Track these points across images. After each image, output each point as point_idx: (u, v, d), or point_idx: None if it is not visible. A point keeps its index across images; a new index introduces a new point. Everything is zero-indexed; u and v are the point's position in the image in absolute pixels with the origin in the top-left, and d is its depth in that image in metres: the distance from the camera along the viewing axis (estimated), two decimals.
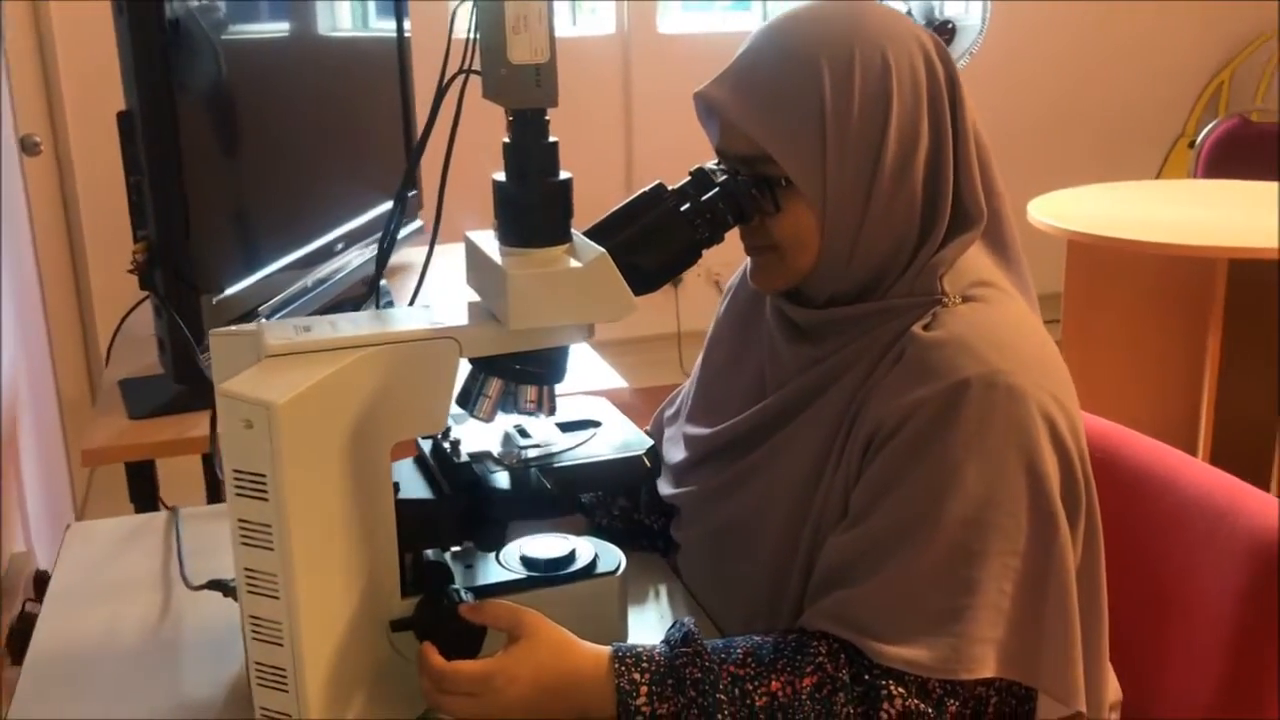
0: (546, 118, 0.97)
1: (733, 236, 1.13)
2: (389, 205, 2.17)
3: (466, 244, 1.05)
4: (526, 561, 1.07)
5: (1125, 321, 3.02)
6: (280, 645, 0.91)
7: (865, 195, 1.03)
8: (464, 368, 1.01)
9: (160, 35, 1.43)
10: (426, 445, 1.08)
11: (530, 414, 1.02)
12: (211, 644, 1.13)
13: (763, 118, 1.03)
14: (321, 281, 1.84)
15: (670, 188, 1.06)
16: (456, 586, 1.01)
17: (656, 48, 4.09)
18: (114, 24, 1.45)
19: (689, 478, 1.22)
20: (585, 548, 1.09)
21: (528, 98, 0.94)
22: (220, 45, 1.52)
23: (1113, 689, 1.14)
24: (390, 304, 2.02)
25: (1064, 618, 0.98)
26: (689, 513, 1.22)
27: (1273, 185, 3.39)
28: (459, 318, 0.99)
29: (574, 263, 0.96)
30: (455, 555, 1.08)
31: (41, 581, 2.20)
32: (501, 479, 1.00)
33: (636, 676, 0.95)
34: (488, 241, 1.01)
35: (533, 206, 0.97)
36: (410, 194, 2.32)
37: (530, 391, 1.01)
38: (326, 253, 1.88)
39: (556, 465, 1.01)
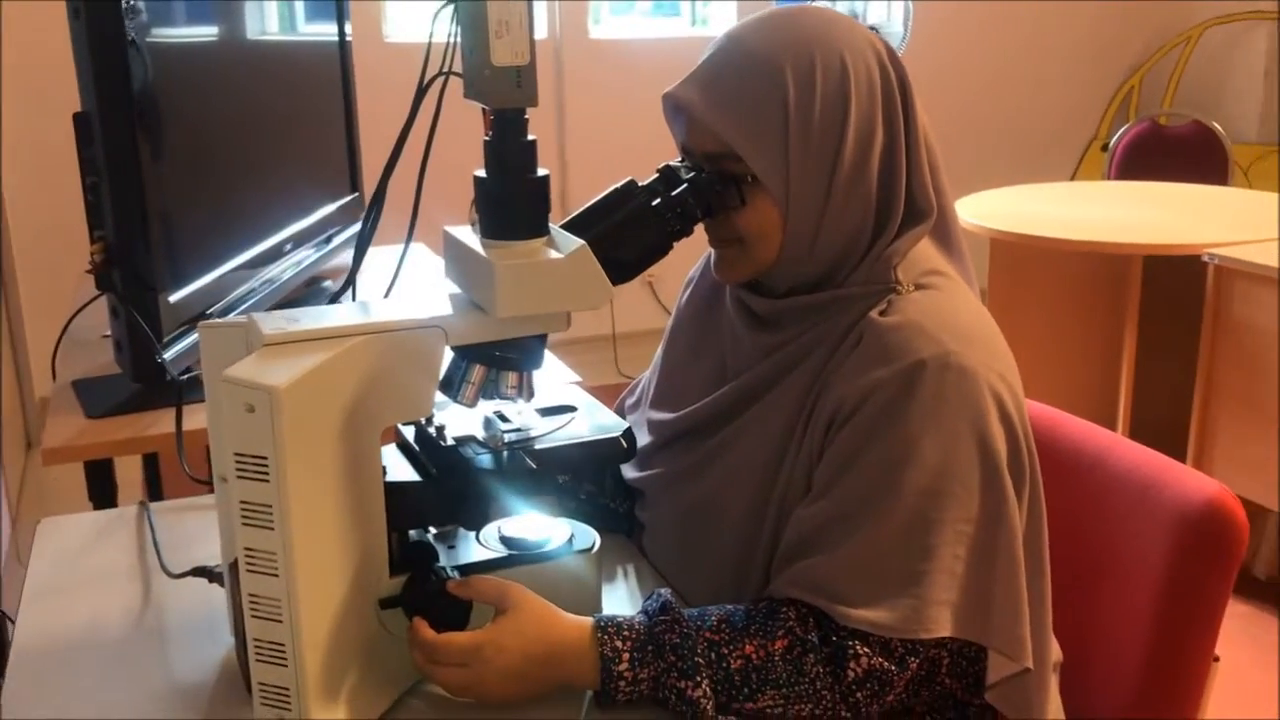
0: (526, 117, 1.02)
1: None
2: (331, 208, 2.20)
3: (446, 239, 1.09)
4: (506, 541, 1.12)
5: (1047, 315, 3.15)
6: (279, 621, 0.94)
7: (825, 190, 1.10)
8: (447, 356, 1.05)
9: (120, 39, 1.45)
10: (409, 431, 1.12)
11: (511, 399, 1.07)
12: (197, 629, 1.16)
13: (730, 117, 1.09)
14: (269, 282, 1.86)
15: (640, 184, 1.12)
16: (442, 564, 1.06)
17: (588, 52, 4.15)
18: (70, 27, 1.46)
19: (653, 461, 1.28)
20: (561, 528, 1.14)
21: (510, 98, 1.00)
22: (155, 49, 1.53)
23: (1054, 649, 1.22)
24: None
25: (1012, 581, 1.06)
26: (654, 495, 1.28)
27: (1181, 186, 3.56)
28: (444, 308, 1.04)
29: (555, 254, 1.01)
30: (437, 536, 1.13)
31: None
32: (486, 460, 1.04)
33: (618, 644, 1.00)
34: (468, 236, 1.06)
35: (515, 201, 1.02)
36: (353, 195, 2.35)
37: (511, 377, 1.06)
38: (276, 253, 1.90)
39: (538, 447, 1.06)
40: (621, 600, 1.22)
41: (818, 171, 1.09)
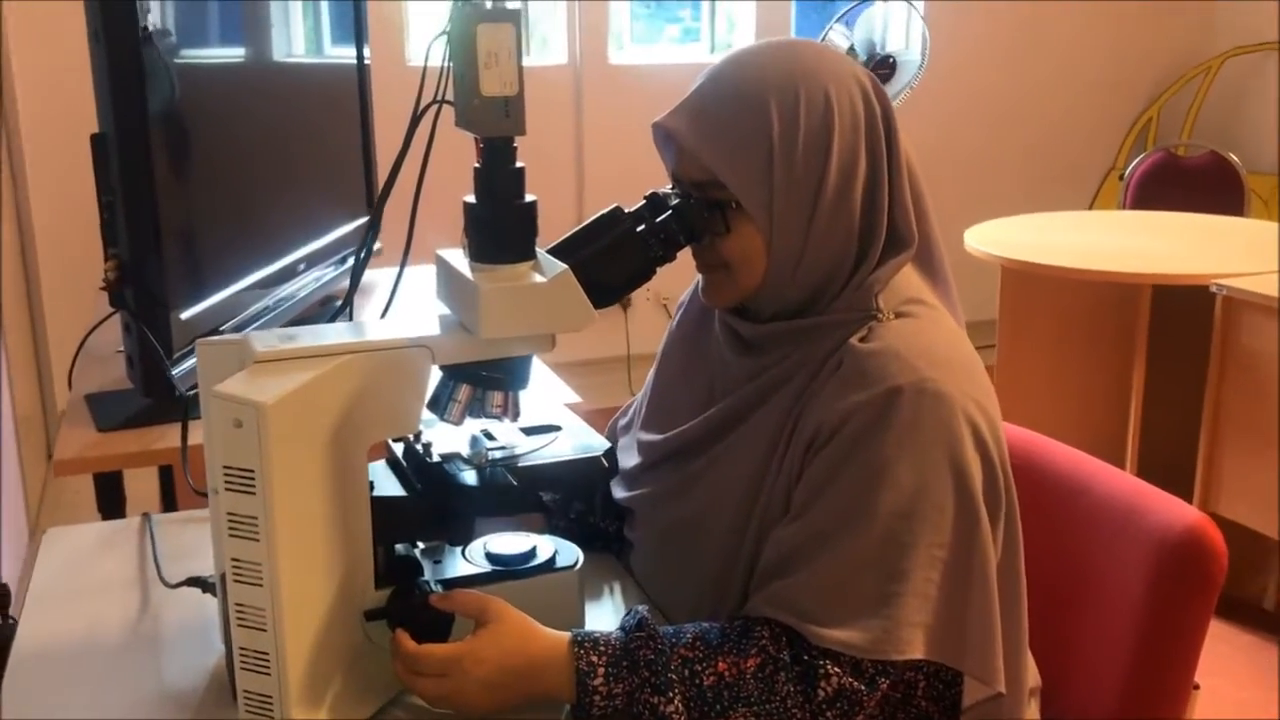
0: (514, 145, 1.05)
1: (685, 265, 1.22)
2: (348, 228, 2.23)
3: (437, 261, 1.13)
4: (491, 556, 1.14)
5: (1056, 344, 3.16)
6: (264, 631, 0.97)
7: (808, 219, 1.12)
8: (435, 376, 1.08)
9: (136, 61, 1.49)
10: (399, 448, 1.15)
11: (497, 418, 1.10)
12: (190, 638, 1.19)
13: (716, 147, 1.12)
14: (283, 301, 1.90)
15: (627, 210, 1.15)
16: (426, 579, 1.08)
17: (607, 78, 4.20)
18: (89, 49, 1.51)
19: (641, 481, 1.30)
20: (545, 544, 1.17)
21: (498, 127, 1.03)
22: (176, 71, 1.58)
23: (1032, 675, 1.23)
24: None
25: (986, 606, 1.07)
26: (642, 514, 1.30)
27: (1195, 216, 3.56)
28: (432, 328, 1.07)
29: (539, 278, 1.04)
30: (423, 551, 1.16)
31: (3, 594, 2.22)
32: (470, 477, 1.07)
33: (594, 659, 1.03)
34: (458, 259, 1.09)
35: (502, 226, 1.05)
36: (363, 220, 2.39)
37: (497, 397, 1.09)
38: (289, 273, 1.94)
39: (521, 465, 1.09)
40: (607, 617, 1.24)
41: (801, 200, 1.12)
